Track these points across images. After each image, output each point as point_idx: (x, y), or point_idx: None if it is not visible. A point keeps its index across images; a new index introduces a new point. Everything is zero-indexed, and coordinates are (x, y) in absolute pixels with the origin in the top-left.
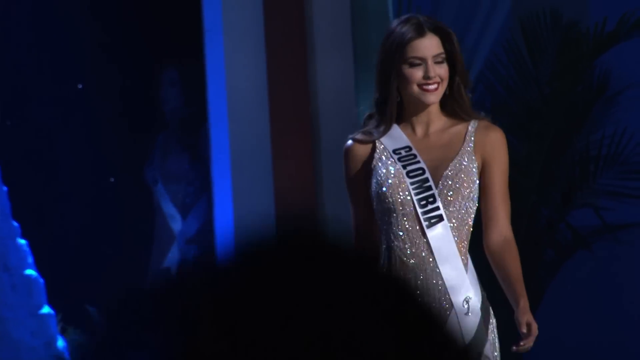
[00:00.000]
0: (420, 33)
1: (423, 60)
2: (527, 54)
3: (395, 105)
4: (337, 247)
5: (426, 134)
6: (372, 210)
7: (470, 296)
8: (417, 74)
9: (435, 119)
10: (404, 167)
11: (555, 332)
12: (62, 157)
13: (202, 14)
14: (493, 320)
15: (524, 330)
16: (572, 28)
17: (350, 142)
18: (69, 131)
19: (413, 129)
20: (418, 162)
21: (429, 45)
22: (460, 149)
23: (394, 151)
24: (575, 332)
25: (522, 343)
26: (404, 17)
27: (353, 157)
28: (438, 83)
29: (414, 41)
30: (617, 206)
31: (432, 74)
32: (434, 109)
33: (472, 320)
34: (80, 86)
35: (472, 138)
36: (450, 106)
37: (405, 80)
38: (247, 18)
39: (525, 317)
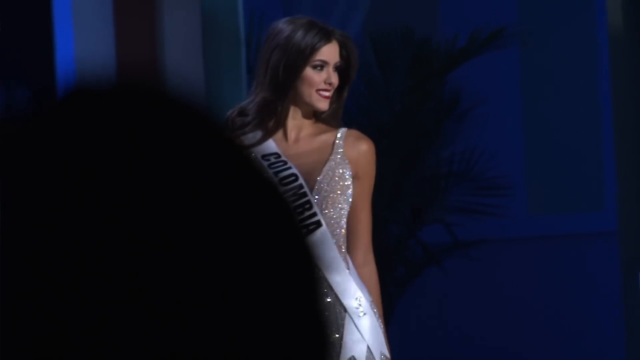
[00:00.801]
0: (328, 38)
1: (326, 65)
2: (378, 71)
3: (288, 107)
4: (175, 98)
5: (297, 138)
6: None
7: (361, 297)
8: (319, 78)
9: (307, 125)
10: (276, 174)
11: (405, 348)
12: None
13: None
14: (380, 323)
15: None
16: (424, 45)
17: None
18: None
19: (285, 134)
20: (289, 168)
21: (333, 52)
22: (331, 154)
23: (263, 157)
24: (425, 348)
25: None
26: (296, 19)
27: None
28: (332, 90)
29: (324, 46)
30: (468, 222)
31: (333, 79)
32: (310, 115)
33: (368, 321)
34: None
35: (342, 144)
36: (324, 113)
37: (304, 84)
38: None
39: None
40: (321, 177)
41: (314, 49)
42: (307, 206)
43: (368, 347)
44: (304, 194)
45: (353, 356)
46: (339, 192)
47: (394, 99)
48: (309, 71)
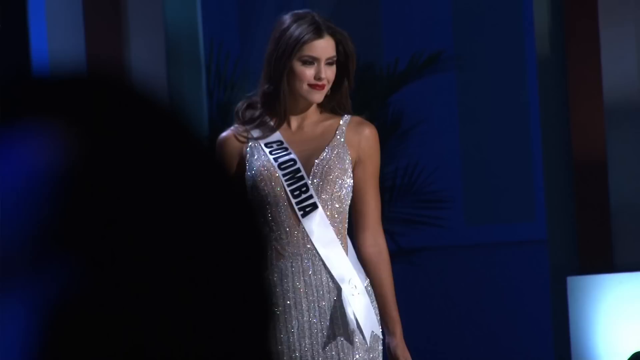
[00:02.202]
0: (318, 34)
1: (316, 61)
2: None
3: (287, 100)
4: (143, 93)
5: (300, 126)
6: None
7: (356, 278)
8: (309, 72)
9: (310, 114)
10: (276, 159)
11: None
12: None
13: None
14: (375, 302)
15: None
16: (368, 69)
17: (225, 133)
18: None
19: (288, 122)
20: (289, 154)
21: (325, 47)
22: (332, 139)
23: (266, 144)
24: None
25: None
26: (300, 12)
27: (227, 151)
28: (325, 84)
29: (312, 41)
30: (410, 232)
31: (323, 75)
32: (312, 105)
33: (361, 300)
34: None
35: (344, 130)
36: (329, 104)
37: (295, 77)
38: None
39: (404, 355)
40: (319, 160)
41: (300, 44)
42: (304, 189)
43: (358, 326)
44: (302, 177)
45: (346, 335)
46: (337, 174)
47: None
48: (298, 66)
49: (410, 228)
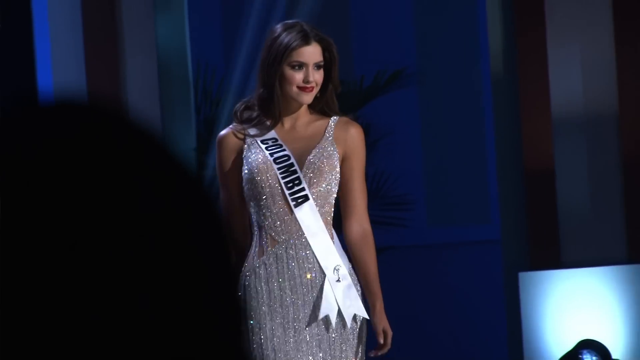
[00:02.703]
0: (306, 41)
1: (305, 65)
2: None
3: (280, 102)
4: (140, 127)
5: (292, 126)
6: (243, 196)
7: (340, 265)
8: (298, 76)
9: (302, 115)
10: (271, 154)
11: None
12: None
13: None
14: (359, 288)
15: (381, 340)
16: (340, 85)
17: (224, 131)
18: None
19: (282, 122)
20: (284, 150)
21: (312, 53)
22: (322, 138)
23: (262, 141)
24: None
25: (378, 353)
26: (289, 22)
27: (226, 147)
28: (314, 87)
29: (300, 48)
30: (377, 232)
31: (311, 78)
32: (303, 107)
33: (344, 287)
34: None
35: (332, 128)
36: (318, 105)
37: (286, 81)
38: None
39: (381, 324)
40: (311, 156)
41: (289, 50)
42: (297, 182)
43: (339, 311)
44: (295, 171)
45: (327, 315)
46: (327, 170)
47: None
48: (288, 70)
49: (376, 229)
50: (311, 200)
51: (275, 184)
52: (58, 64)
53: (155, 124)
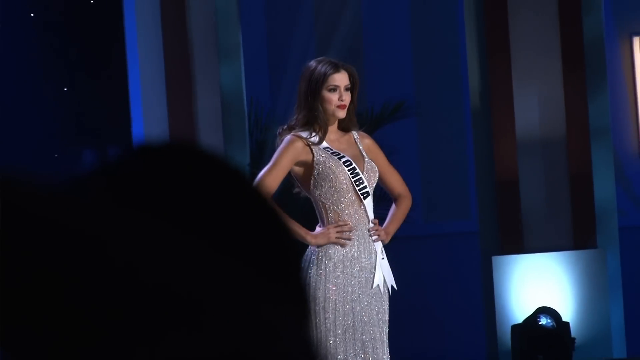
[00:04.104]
0: (336, 69)
1: (338, 88)
2: None
3: (324, 118)
4: (216, 157)
5: (332, 139)
6: (279, 182)
7: (381, 246)
8: (334, 97)
9: (333, 130)
10: (339, 159)
11: None
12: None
13: None
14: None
15: (377, 226)
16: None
17: (295, 135)
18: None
19: (327, 136)
20: (344, 156)
21: (342, 78)
22: (360, 149)
23: (325, 149)
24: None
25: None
26: (319, 58)
27: (295, 147)
28: (346, 105)
29: (333, 74)
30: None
31: (344, 97)
32: (336, 123)
33: (385, 262)
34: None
35: (359, 142)
36: (343, 122)
37: (326, 101)
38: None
39: (383, 234)
40: (366, 163)
41: (326, 77)
42: (361, 180)
43: (384, 280)
44: (358, 173)
45: (378, 285)
46: (375, 172)
47: None
48: (326, 93)
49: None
50: (370, 195)
51: (348, 182)
52: (147, 102)
53: (219, 146)
